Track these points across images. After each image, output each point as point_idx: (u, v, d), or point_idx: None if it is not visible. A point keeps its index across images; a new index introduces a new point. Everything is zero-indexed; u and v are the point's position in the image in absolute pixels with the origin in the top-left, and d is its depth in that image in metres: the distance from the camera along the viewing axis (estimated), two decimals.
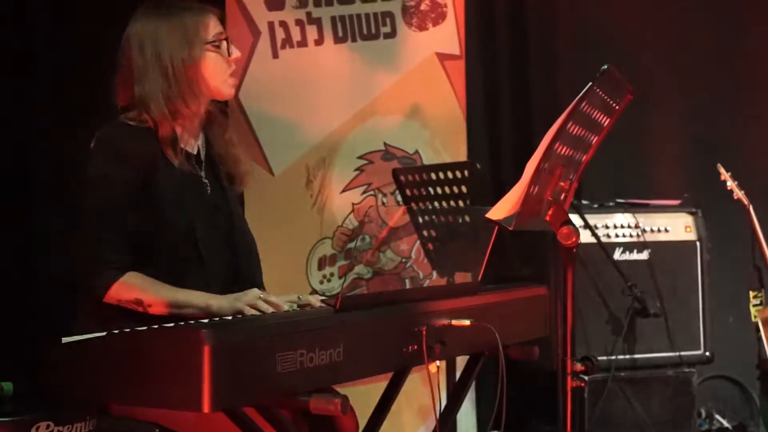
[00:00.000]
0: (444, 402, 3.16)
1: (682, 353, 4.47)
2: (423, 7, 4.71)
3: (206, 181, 2.91)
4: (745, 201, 4.79)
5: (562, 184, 2.86)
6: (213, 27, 2.88)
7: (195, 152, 2.92)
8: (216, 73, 2.87)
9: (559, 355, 2.76)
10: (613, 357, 4.33)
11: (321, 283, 4.49)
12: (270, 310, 2.64)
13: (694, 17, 5.43)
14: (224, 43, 2.89)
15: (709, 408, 4.95)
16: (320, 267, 4.51)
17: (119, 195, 2.71)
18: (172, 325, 2.27)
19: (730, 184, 4.81)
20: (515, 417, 2.89)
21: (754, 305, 4.87)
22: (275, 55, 4.53)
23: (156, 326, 2.28)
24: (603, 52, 5.12)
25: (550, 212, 2.81)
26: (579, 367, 2.76)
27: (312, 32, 4.57)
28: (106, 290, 2.67)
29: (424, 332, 2.48)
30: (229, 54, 2.90)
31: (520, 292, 3.16)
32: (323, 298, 2.90)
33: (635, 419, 4.38)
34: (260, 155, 4.44)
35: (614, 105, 2.85)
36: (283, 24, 4.54)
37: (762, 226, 4.77)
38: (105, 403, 2.50)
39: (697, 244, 4.55)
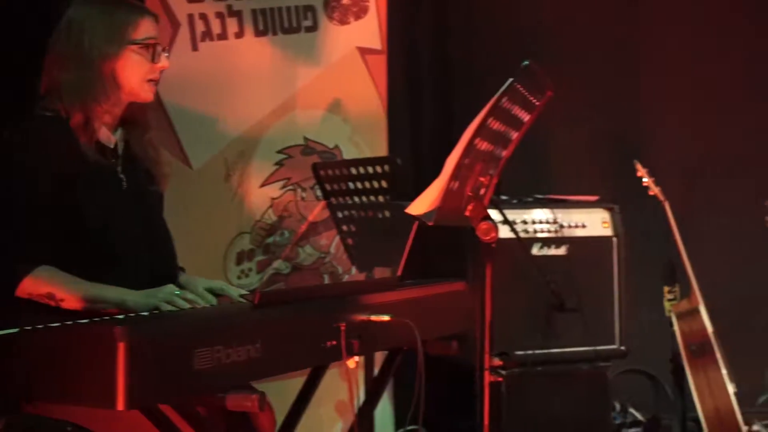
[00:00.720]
0: (362, 398, 3.16)
1: (598, 348, 4.51)
2: (345, 1, 4.70)
3: (122, 176, 2.87)
4: (661, 197, 4.86)
5: (482, 179, 2.87)
6: (144, 29, 2.83)
7: (111, 146, 2.87)
8: (134, 75, 2.82)
9: (477, 350, 2.77)
10: (531, 352, 4.36)
11: (239, 278, 4.45)
12: (186, 306, 2.61)
13: (614, 10, 5.49)
14: (153, 48, 2.84)
15: (624, 401, 5.02)
16: (238, 262, 4.48)
17: (31, 188, 2.66)
18: (86, 321, 2.23)
19: (647, 180, 4.88)
20: (433, 413, 2.90)
21: (669, 300, 4.96)
22: (195, 48, 4.48)
23: (70, 322, 2.24)
24: (524, 47, 5.16)
25: (469, 207, 2.82)
26: (497, 362, 2.78)
27: (232, 25, 4.53)
28: (18, 284, 2.62)
29: (343, 328, 2.47)
30: (156, 60, 2.85)
31: (439, 287, 3.16)
32: (242, 293, 2.88)
33: (552, 413, 4.42)
34: (178, 149, 4.38)
35: (535, 101, 2.87)
36: (203, 16, 4.49)
37: (677, 222, 4.85)
38: (17, 401, 2.45)
39: (614, 239, 4.60)
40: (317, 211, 4.52)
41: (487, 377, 2.75)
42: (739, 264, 5.28)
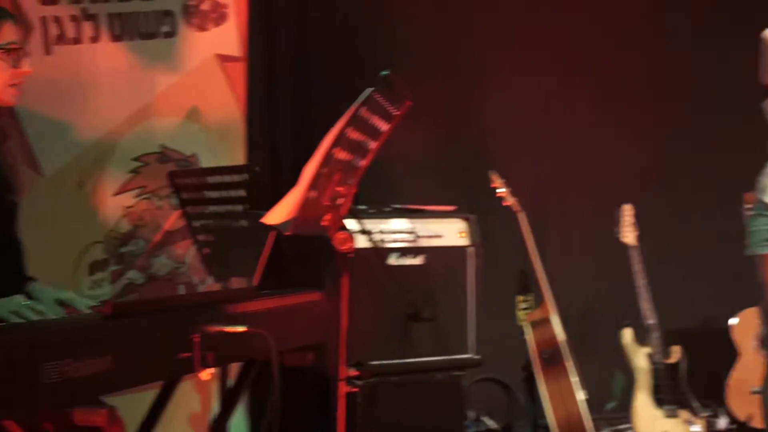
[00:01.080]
0: (216, 410, 3.12)
1: (453, 357, 4.55)
2: (204, 7, 4.65)
3: None
4: (516, 208, 4.95)
5: (339, 189, 2.87)
6: (6, 34, 2.76)
7: None
8: None
9: (333, 360, 2.77)
10: (386, 362, 4.37)
11: (92, 288, 4.36)
12: (35, 317, 2.54)
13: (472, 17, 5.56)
14: (16, 53, 2.77)
15: (478, 410, 5.09)
16: (92, 272, 4.38)
17: None
18: None
19: (502, 191, 4.97)
20: (289, 424, 2.88)
21: (522, 309, 5.05)
22: (48, 52, 4.37)
23: None
24: (383, 56, 5.19)
25: (327, 217, 2.82)
26: (352, 372, 2.78)
27: (88, 29, 4.44)
28: None
29: (197, 340, 2.44)
30: (18, 65, 2.78)
31: (295, 297, 3.15)
32: (92, 304, 2.81)
33: (407, 423, 4.44)
34: (30, 155, 4.27)
35: (393, 111, 2.89)
36: (57, 19, 4.39)
37: (532, 232, 4.95)
38: None
39: (470, 249, 4.65)
40: (173, 220, 4.46)
41: (342, 388, 2.76)
42: (590, 273, 5.41)
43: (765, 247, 3.45)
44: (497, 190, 4.98)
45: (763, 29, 3.49)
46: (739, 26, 5.33)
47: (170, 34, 4.61)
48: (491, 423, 5.07)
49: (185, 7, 4.62)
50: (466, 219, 4.68)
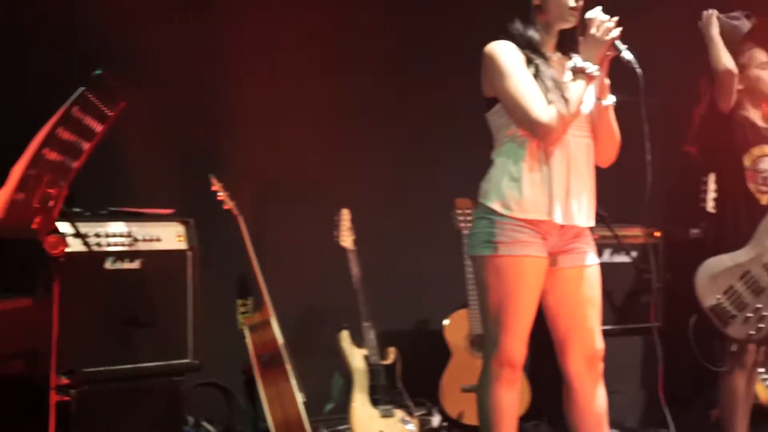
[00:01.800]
0: None
1: (171, 362, 4.49)
2: None
3: None
4: (236, 211, 4.94)
5: (50, 190, 2.77)
6: None
7: None
8: None
9: (44, 368, 2.67)
10: (101, 368, 4.25)
11: None
12: None
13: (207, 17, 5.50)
14: None
15: (198, 415, 5.03)
16: None
17: None
18: None
19: (222, 194, 4.94)
20: None
21: (242, 313, 5.05)
22: None
23: None
24: (101, 55, 5.03)
25: (37, 220, 2.71)
26: (64, 380, 2.69)
27: None
28: None
29: None
30: None
31: (2, 304, 3.00)
32: None
33: (125, 431, 4.34)
34: None
35: (107, 111, 2.82)
36: None
37: (254, 236, 4.95)
38: None
39: (189, 253, 4.60)
40: None
41: (53, 397, 2.66)
42: (310, 277, 5.46)
43: (485, 249, 3.59)
44: (217, 194, 4.95)
45: (485, 43, 3.63)
46: (461, 37, 5.57)
47: None
48: (211, 428, 5.03)
49: None
50: (185, 222, 4.64)
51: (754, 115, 4.76)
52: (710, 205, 4.99)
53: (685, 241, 5.56)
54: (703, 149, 4.93)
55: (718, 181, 4.88)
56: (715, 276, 4.62)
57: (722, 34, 4.61)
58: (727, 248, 4.66)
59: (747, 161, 4.71)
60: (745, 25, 4.72)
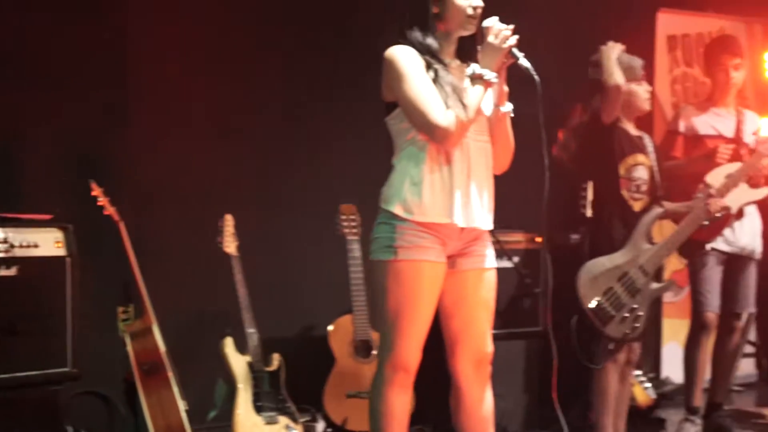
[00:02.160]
0: None
1: (49, 371, 4.41)
2: None
3: None
4: (116, 217, 4.87)
5: None
6: None
7: None
8: None
9: None
10: None
11: None
12: None
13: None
14: None
15: (78, 425, 4.94)
16: None
17: None
18: None
19: (102, 200, 4.87)
20: None
21: (123, 320, 4.98)
22: None
23: None
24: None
25: None
26: None
27: None
28: None
29: None
30: None
31: None
32: None
33: None
34: None
35: None
36: None
37: (136, 242, 4.88)
38: None
39: (68, 260, 4.52)
40: None
41: None
42: (193, 283, 5.41)
43: (385, 254, 3.62)
44: (98, 199, 4.87)
45: (382, 47, 3.65)
46: (359, 39, 5.58)
47: None
48: None
49: None
50: (64, 228, 4.56)
51: (628, 126, 4.95)
52: (589, 212, 5.11)
53: (565, 246, 5.66)
54: (581, 158, 5.13)
55: (595, 189, 5.03)
56: (595, 278, 4.78)
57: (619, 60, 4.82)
58: (602, 253, 4.84)
59: (622, 170, 4.88)
60: (639, 64, 4.93)
